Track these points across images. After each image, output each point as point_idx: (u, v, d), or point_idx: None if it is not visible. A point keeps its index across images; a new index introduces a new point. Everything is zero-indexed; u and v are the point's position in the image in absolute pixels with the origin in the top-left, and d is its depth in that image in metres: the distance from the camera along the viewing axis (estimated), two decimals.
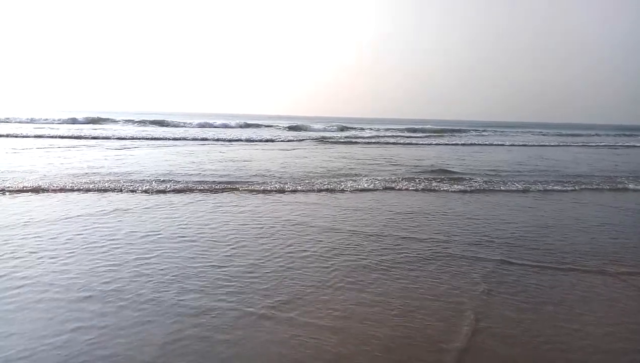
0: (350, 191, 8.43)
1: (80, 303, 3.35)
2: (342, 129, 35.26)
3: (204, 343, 2.87)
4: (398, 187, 8.95)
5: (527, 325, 3.28)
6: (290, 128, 33.97)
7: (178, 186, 8.09)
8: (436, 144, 23.65)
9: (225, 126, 34.22)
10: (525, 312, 3.49)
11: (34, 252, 4.39)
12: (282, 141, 22.09)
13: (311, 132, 31.03)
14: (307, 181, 9.14)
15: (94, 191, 7.52)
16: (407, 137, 28.88)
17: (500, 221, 6.41)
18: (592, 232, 5.99)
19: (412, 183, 9.21)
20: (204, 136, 22.08)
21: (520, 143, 26.32)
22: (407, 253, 4.82)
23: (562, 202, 8.11)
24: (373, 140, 24.10)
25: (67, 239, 4.85)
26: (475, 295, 3.76)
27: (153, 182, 8.28)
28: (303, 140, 23.37)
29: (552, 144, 26.49)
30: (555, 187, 9.55)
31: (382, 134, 30.76)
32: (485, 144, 24.66)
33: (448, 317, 3.37)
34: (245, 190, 8.07)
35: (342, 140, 23.66)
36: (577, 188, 9.61)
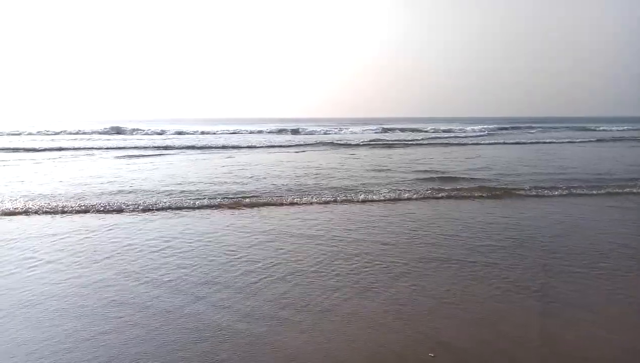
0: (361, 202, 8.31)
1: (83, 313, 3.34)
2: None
3: (207, 355, 2.80)
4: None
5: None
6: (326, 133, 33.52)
7: (189, 202, 8.04)
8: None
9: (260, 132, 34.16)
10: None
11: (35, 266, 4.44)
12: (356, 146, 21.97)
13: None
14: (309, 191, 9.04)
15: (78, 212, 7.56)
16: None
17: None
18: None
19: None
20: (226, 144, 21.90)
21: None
22: (420, 258, 4.70)
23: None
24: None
25: (72, 252, 4.89)
26: (488, 299, 3.62)
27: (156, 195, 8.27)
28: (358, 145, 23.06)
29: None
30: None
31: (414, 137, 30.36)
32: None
33: (462, 323, 3.24)
34: (263, 203, 8.00)
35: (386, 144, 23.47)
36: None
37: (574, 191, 8.63)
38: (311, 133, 33.09)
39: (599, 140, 25.59)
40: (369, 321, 3.28)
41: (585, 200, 7.91)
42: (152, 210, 6.96)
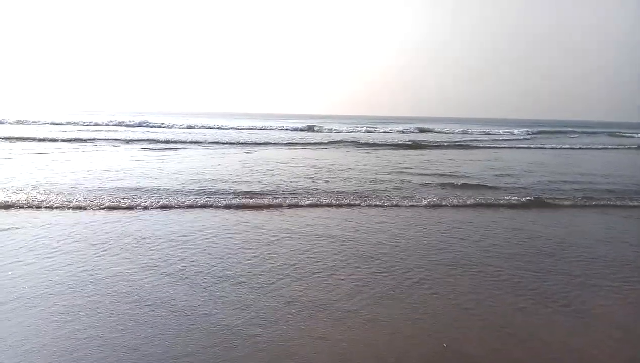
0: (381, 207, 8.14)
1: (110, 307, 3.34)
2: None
3: (218, 360, 2.74)
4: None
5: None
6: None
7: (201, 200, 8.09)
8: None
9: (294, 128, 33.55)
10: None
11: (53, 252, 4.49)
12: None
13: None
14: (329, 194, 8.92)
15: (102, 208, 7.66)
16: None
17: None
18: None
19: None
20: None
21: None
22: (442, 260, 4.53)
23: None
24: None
25: (90, 244, 4.93)
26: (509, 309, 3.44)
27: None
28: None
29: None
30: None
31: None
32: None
33: (484, 334, 3.07)
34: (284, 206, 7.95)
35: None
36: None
37: (610, 202, 8.16)
38: (337, 131, 32.63)
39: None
40: (387, 329, 3.14)
41: (621, 212, 7.52)
42: (172, 205, 6.97)
